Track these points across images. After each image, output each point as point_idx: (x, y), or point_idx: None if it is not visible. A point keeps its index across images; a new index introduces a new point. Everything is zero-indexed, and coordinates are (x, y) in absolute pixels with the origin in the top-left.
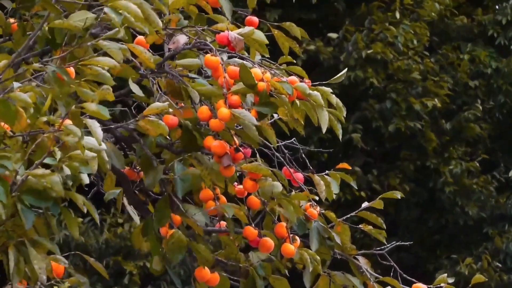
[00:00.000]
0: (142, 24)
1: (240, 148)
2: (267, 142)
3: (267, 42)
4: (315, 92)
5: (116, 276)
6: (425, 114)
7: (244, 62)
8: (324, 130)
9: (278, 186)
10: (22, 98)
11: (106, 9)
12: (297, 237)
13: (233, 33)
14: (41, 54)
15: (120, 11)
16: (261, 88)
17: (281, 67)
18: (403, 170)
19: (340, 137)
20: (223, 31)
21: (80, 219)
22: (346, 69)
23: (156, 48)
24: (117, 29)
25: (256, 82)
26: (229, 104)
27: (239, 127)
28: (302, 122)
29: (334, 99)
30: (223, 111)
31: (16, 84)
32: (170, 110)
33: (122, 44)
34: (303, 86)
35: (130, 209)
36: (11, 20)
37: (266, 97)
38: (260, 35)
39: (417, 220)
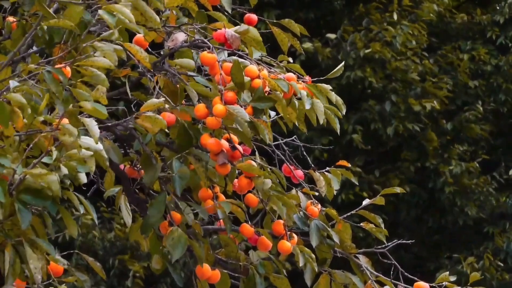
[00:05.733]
0: (137, 25)
1: (237, 146)
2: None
3: (260, 39)
4: (303, 91)
5: (121, 276)
6: (425, 115)
7: (239, 59)
8: (321, 121)
9: (267, 183)
10: (17, 99)
11: (100, 12)
12: (294, 235)
13: (230, 31)
14: (40, 52)
15: (114, 13)
16: (257, 85)
17: (281, 64)
18: (403, 171)
19: (338, 130)
20: (220, 29)
21: (89, 217)
22: (343, 63)
23: (157, 46)
24: (111, 30)
25: (249, 79)
26: (224, 100)
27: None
28: (296, 122)
29: (334, 96)
30: (219, 107)
31: (12, 84)
32: (167, 106)
33: (119, 43)
34: (296, 86)
35: (125, 208)
36: (11, 19)
37: (262, 94)
38: (254, 33)
39: (417, 220)
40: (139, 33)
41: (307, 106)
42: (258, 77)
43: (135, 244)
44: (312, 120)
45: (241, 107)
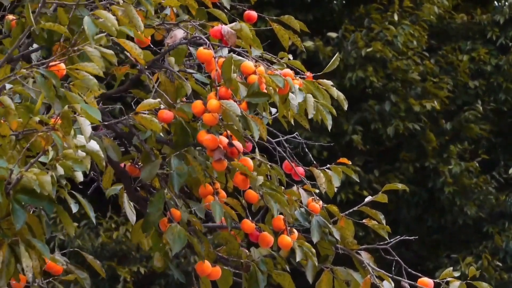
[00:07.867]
0: (126, 28)
1: (234, 142)
2: (269, 138)
3: (251, 36)
4: (296, 86)
5: (110, 280)
6: (425, 114)
7: (234, 55)
8: (310, 115)
9: (259, 181)
10: (7, 103)
11: (84, 19)
12: (294, 230)
13: (226, 27)
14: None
15: (101, 20)
16: (252, 81)
17: (282, 60)
18: (403, 171)
19: (330, 127)
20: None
21: (75, 224)
22: (337, 54)
23: (158, 44)
24: (99, 35)
25: (235, 75)
26: (219, 95)
27: None
28: (292, 120)
29: (335, 92)
30: (213, 102)
31: (7, 86)
32: (162, 107)
33: (114, 40)
34: (290, 81)
35: (128, 206)
36: (10, 17)
37: (256, 89)
38: (247, 31)
39: (417, 219)
40: (128, 34)
41: (299, 99)
42: (254, 73)
43: (125, 247)
44: (309, 113)
45: (236, 102)
